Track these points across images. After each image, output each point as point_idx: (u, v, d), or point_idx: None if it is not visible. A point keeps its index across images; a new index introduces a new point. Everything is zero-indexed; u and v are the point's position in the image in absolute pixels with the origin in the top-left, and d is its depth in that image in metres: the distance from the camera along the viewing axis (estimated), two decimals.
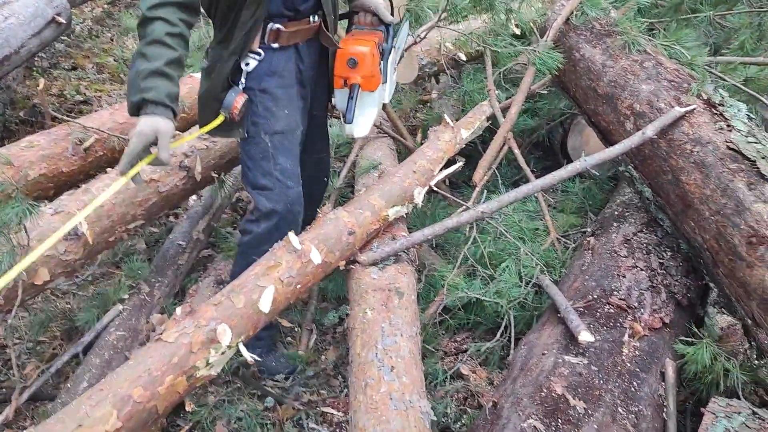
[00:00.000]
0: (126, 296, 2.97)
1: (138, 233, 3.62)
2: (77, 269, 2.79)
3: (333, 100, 2.76)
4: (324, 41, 2.60)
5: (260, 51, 2.46)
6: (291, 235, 2.38)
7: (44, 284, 2.62)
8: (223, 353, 2.07)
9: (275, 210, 2.55)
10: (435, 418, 2.05)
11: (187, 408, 2.70)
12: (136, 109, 2.09)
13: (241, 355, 2.15)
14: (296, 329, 3.14)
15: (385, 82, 2.72)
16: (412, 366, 2.11)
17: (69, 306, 3.27)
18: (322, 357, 3.01)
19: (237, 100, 2.39)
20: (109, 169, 3.10)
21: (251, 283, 2.22)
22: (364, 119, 2.63)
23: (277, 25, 2.44)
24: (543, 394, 2.20)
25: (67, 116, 4.44)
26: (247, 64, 2.45)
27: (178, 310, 2.07)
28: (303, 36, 2.53)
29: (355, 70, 2.51)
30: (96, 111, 4.37)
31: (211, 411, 2.73)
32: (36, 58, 5.25)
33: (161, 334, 2.02)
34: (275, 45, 2.47)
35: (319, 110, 2.81)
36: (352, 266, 2.63)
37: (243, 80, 2.45)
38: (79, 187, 2.91)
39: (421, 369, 2.16)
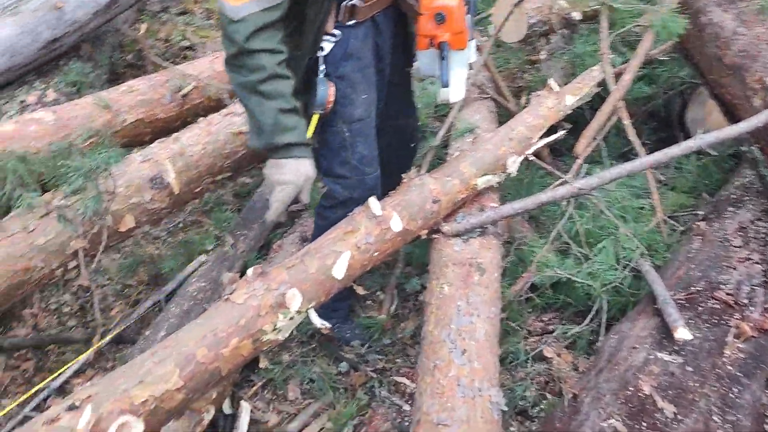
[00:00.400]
0: (210, 247, 2.98)
1: (226, 185, 3.61)
2: (162, 218, 2.81)
3: (415, 64, 2.58)
4: (404, 7, 2.40)
5: (335, 32, 2.25)
6: (372, 200, 2.27)
7: (129, 231, 2.65)
8: (291, 318, 2.01)
9: (352, 197, 2.41)
10: (506, 408, 1.92)
11: (261, 365, 2.68)
12: (274, 151, 2.08)
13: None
14: (378, 293, 3.06)
15: (472, 39, 2.53)
16: (486, 350, 1.98)
17: (158, 252, 3.32)
18: (401, 325, 2.92)
19: (329, 92, 2.25)
20: (201, 119, 3.09)
21: (327, 248, 2.14)
22: (457, 81, 2.45)
23: (353, 1, 2.24)
24: (629, 392, 2.02)
25: (171, 62, 4.49)
26: (321, 49, 2.25)
27: (250, 271, 2.02)
28: (381, 5, 2.34)
29: (442, 27, 2.30)
30: (198, 57, 4.39)
31: (284, 370, 2.71)
32: (147, 2, 5.33)
33: (231, 294, 1.98)
34: (351, 22, 2.27)
35: (398, 77, 2.62)
36: (434, 236, 2.50)
37: (321, 67, 2.26)
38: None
39: (496, 354, 2.03)
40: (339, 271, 2.13)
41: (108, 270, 3.21)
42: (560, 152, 3.96)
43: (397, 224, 2.30)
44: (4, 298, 2.36)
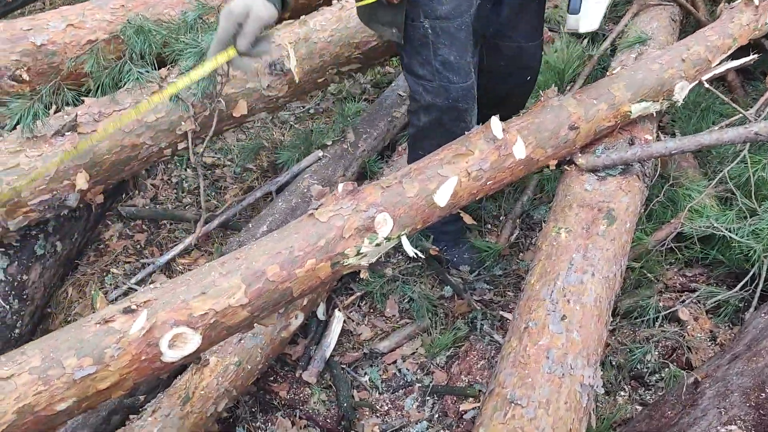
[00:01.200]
0: (329, 143, 2.80)
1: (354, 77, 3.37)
2: (280, 106, 2.65)
3: None
4: None
5: None
6: (494, 120, 1.96)
7: (242, 117, 2.53)
8: (378, 245, 1.80)
9: (434, 104, 2.11)
10: (601, 391, 1.63)
11: (362, 275, 2.53)
12: None
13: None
14: (501, 218, 2.78)
15: None
16: (592, 319, 1.68)
17: (282, 138, 3.20)
18: (520, 255, 2.64)
19: None
20: (336, 1, 2.83)
21: (431, 170, 1.89)
22: (593, 7, 2.01)
23: None
24: (763, 395, 1.66)
25: None
26: None
27: (340, 186, 1.82)
28: None
29: None
30: None
31: (385, 284, 2.55)
32: None
33: (315, 209, 1.79)
34: None
35: None
36: (566, 167, 2.16)
37: None
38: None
39: (604, 325, 1.72)
40: (442, 198, 1.88)
41: (231, 150, 3.14)
42: (753, 77, 3.35)
43: (520, 150, 1.98)
44: (111, 172, 2.34)
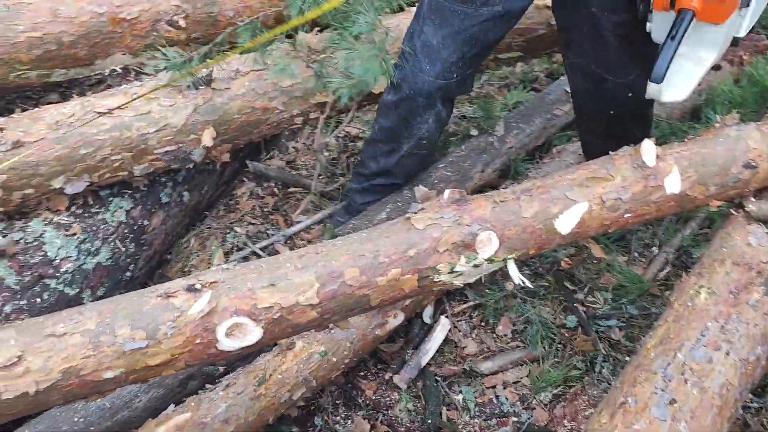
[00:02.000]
0: (475, 132, 2.57)
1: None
2: None
3: (648, 25, 1.78)
4: None
5: None
6: (647, 143, 1.65)
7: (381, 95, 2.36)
8: (477, 266, 1.58)
9: (400, 87, 2.04)
10: None
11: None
12: None
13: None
14: (654, 249, 2.41)
15: (746, 6, 1.61)
16: (711, 411, 1.35)
17: None
18: (666, 294, 2.28)
19: None
20: None
21: (558, 190, 1.62)
22: (687, 71, 1.60)
23: None
24: None
25: None
26: None
27: (447, 192, 1.61)
28: None
29: None
30: None
31: (504, 299, 2.31)
32: None
33: (415, 213, 1.60)
34: None
35: (611, 12, 1.86)
36: (732, 211, 1.79)
37: None
38: None
39: (725, 420, 1.38)
40: (564, 225, 1.61)
41: (370, 121, 2.99)
42: None
43: (674, 184, 1.66)
44: (239, 133, 2.29)
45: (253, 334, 1.51)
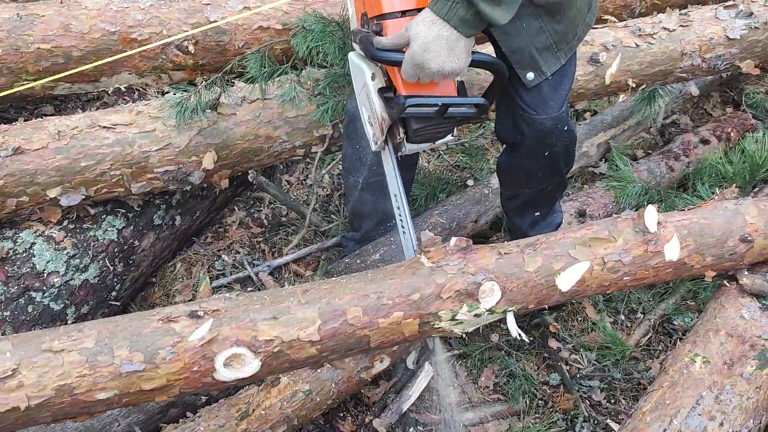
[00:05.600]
0: (472, 183, 2.60)
1: None
2: None
3: None
4: None
5: None
6: (650, 209, 1.69)
7: None
8: (478, 315, 1.59)
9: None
10: None
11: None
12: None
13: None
14: (639, 315, 2.44)
15: None
16: None
17: (426, 166, 3.03)
18: (647, 363, 2.30)
19: None
20: None
21: (561, 248, 1.65)
22: None
23: None
24: None
25: None
26: None
27: (454, 239, 1.62)
28: None
29: None
30: None
31: (487, 351, 2.32)
32: None
33: (420, 256, 1.61)
34: None
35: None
36: (725, 282, 1.83)
37: None
38: None
39: None
40: (565, 282, 1.64)
41: None
42: None
43: (673, 251, 1.69)
44: (240, 159, 2.28)
45: (251, 366, 1.49)
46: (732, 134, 3.10)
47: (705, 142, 3.00)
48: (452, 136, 1.76)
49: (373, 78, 1.67)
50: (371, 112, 1.70)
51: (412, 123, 1.66)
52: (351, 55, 1.74)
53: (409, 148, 1.73)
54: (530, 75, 1.79)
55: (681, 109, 3.32)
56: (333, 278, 1.61)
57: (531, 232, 2.14)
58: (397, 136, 1.70)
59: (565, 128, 1.93)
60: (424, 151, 3.13)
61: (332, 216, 2.76)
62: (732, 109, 3.38)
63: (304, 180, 2.98)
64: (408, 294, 1.55)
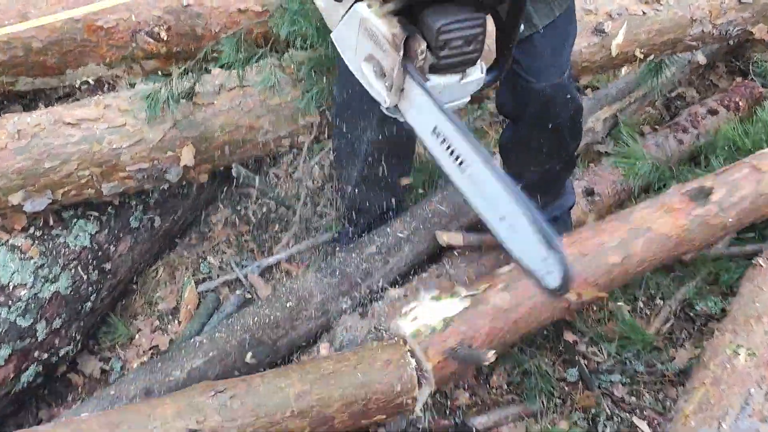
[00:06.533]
0: None
1: None
2: None
3: None
4: None
5: None
6: None
7: None
8: None
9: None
10: None
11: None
12: None
13: None
14: (658, 301, 2.27)
15: None
16: None
17: (425, 152, 2.85)
18: (672, 351, 2.14)
19: None
20: None
21: None
22: None
23: None
24: None
25: None
26: None
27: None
28: None
29: None
30: None
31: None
32: None
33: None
34: None
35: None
36: (757, 261, 1.67)
37: None
38: None
39: None
40: None
41: None
42: None
43: None
44: (221, 152, 2.09)
45: None
46: (741, 104, 2.94)
47: (713, 112, 2.84)
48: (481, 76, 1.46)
49: (369, 6, 1.39)
50: (376, 49, 1.39)
51: (441, 31, 1.35)
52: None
53: (434, 81, 1.42)
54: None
55: (687, 81, 3.15)
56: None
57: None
58: (418, 54, 1.37)
59: (568, 96, 1.81)
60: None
61: (325, 210, 2.58)
62: (740, 79, 3.22)
63: (294, 173, 2.79)
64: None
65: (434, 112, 1.28)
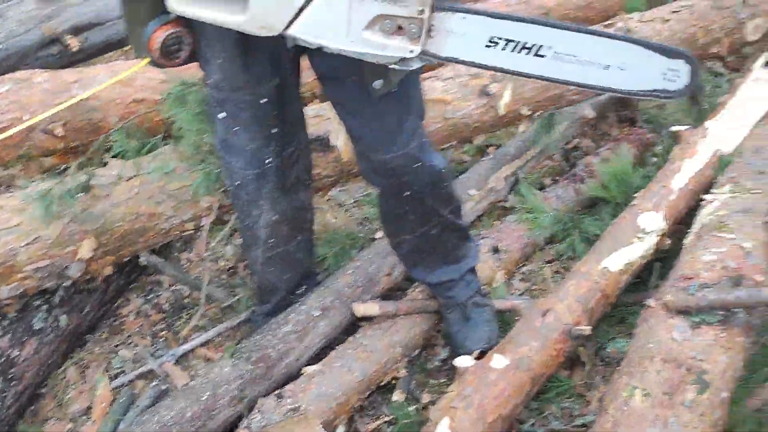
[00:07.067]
0: (380, 235, 2.46)
1: None
2: (327, 187, 2.35)
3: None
4: None
5: None
6: None
7: None
8: None
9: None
10: None
11: (395, 397, 2.15)
12: None
13: None
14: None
15: None
16: None
17: (335, 222, 2.88)
18: (588, 394, 2.18)
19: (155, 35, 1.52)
20: None
21: None
22: None
23: None
24: None
25: None
26: None
27: None
28: None
29: None
30: None
31: (423, 410, 2.14)
32: None
33: None
34: None
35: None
36: (649, 303, 1.74)
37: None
38: None
39: None
40: None
41: None
42: None
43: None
44: (123, 243, 2.08)
45: None
46: (633, 152, 3.09)
47: (606, 161, 2.98)
48: None
49: None
50: (388, 5, 1.35)
51: None
52: None
53: None
54: (377, 83, 1.62)
55: (580, 133, 3.30)
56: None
57: (434, 281, 2.05)
58: None
59: (418, 165, 1.80)
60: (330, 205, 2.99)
61: (238, 289, 2.56)
62: (629, 127, 3.39)
63: (208, 256, 2.77)
64: None
65: (485, 23, 1.32)
